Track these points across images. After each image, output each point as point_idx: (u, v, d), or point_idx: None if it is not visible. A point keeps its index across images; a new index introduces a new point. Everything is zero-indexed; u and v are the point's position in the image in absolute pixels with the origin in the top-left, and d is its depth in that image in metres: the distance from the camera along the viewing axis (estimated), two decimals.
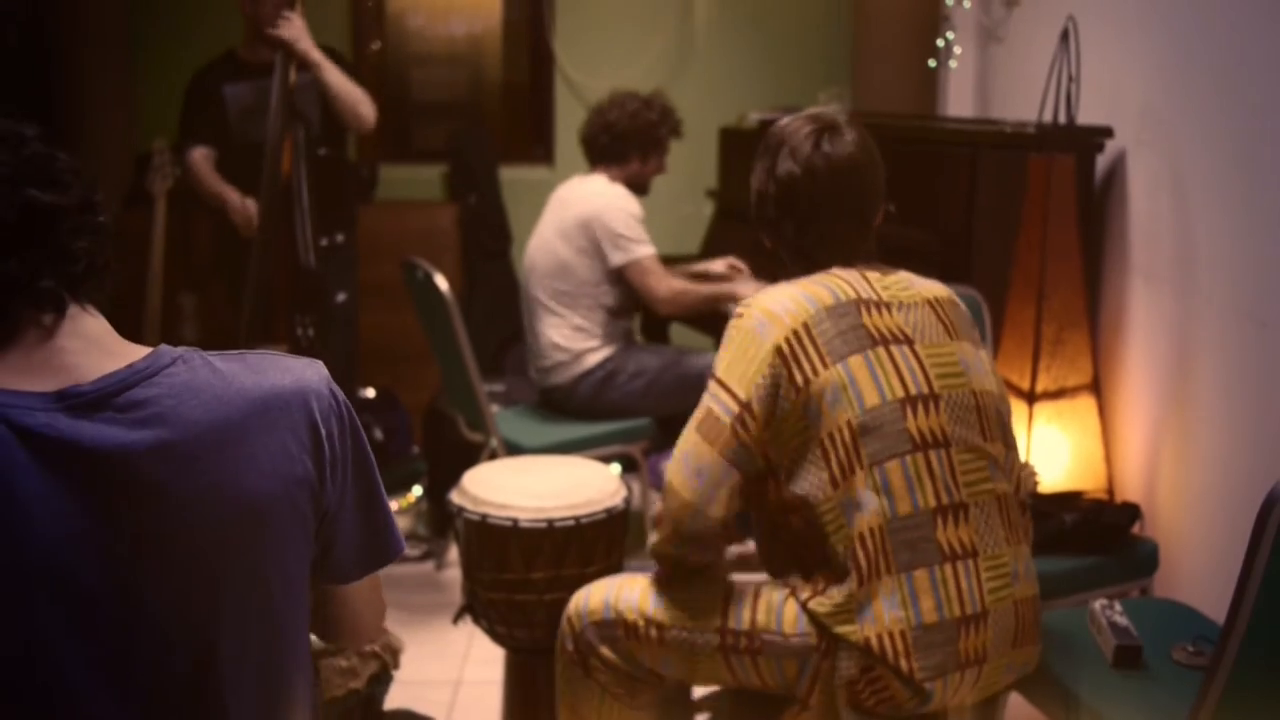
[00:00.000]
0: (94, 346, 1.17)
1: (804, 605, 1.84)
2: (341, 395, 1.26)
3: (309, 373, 1.24)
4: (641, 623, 1.95)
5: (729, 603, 1.91)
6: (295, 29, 3.47)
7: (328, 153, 3.71)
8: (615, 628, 1.98)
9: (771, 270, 2.20)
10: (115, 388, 1.13)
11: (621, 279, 3.62)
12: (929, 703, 1.80)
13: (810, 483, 1.84)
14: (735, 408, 1.83)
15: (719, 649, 1.90)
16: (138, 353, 1.18)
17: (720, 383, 1.87)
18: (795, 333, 1.84)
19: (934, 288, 2.01)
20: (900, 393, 1.85)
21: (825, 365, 1.83)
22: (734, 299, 3.51)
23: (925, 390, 1.87)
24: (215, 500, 1.14)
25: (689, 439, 1.87)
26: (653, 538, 1.98)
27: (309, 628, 1.32)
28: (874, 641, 1.78)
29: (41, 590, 1.10)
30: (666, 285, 3.60)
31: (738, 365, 1.85)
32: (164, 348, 1.20)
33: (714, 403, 1.86)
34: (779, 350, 1.83)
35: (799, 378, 1.83)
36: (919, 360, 1.89)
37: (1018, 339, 2.92)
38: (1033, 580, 1.93)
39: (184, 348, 1.21)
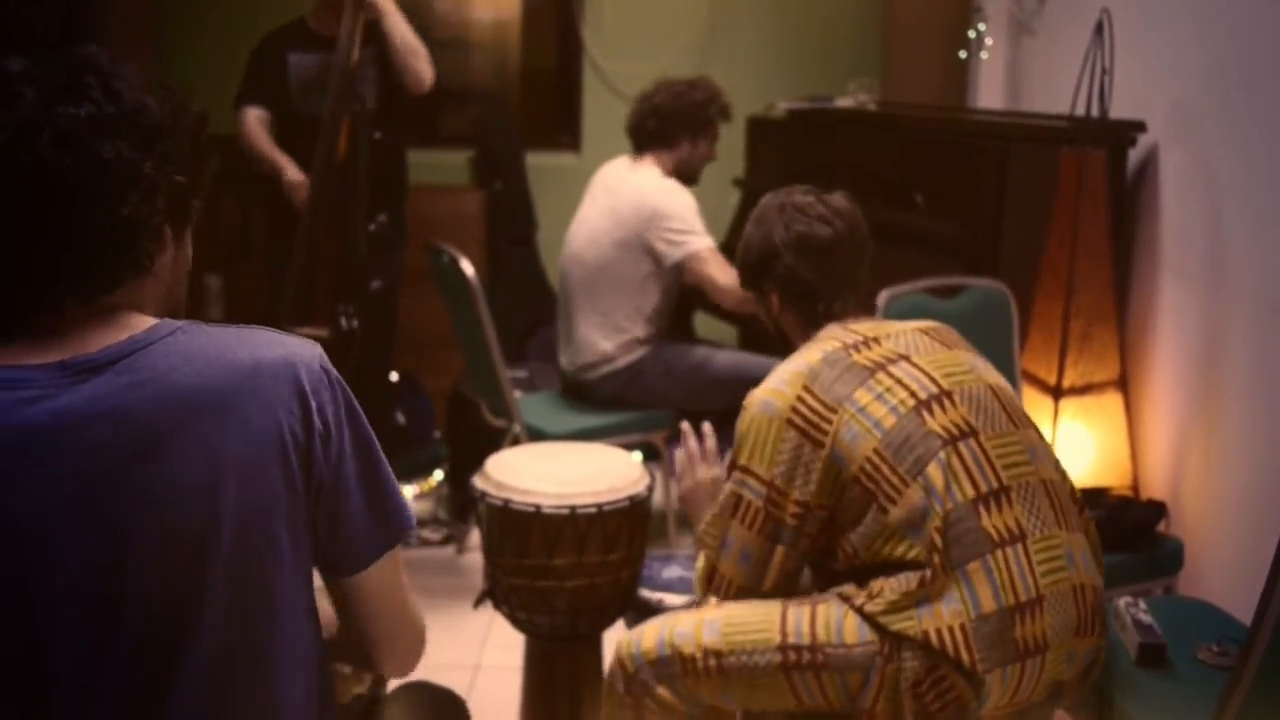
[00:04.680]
0: (105, 320, 1.22)
1: (860, 610, 1.84)
2: (335, 374, 1.29)
3: (301, 348, 1.27)
4: (699, 654, 1.92)
5: (786, 620, 1.89)
6: None
7: (382, 137, 3.65)
8: (672, 664, 1.95)
9: None
10: (116, 356, 1.18)
11: (673, 275, 3.53)
12: (988, 696, 1.79)
13: (863, 522, 1.87)
14: (762, 489, 1.91)
15: (780, 668, 1.87)
16: (142, 324, 1.23)
17: (744, 469, 1.94)
18: (799, 398, 1.91)
19: (921, 323, 2.08)
20: (911, 402, 1.88)
21: (834, 411, 1.89)
22: None
23: (935, 390, 1.90)
24: (203, 463, 1.18)
25: (730, 528, 1.95)
26: (710, 602, 2.00)
27: (313, 603, 1.32)
28: (933, 635, 1.77)
29: (33, 555, 1.14)
30: (732, 275, 3.43)
31: (756, 450, 1.93)
32: (167, 320, 1.25)
33: (743, 489, 1.94)
34: (790, 422, 1.90)
35: (817, 436, 1.89)
36: (919, 369, 1.93)
37: (1045, 334, 2.91)
38: (1093, 571, 1.91)
39: (188, 321, 1.26)
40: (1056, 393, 2.85)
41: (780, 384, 1.95)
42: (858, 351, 1.95)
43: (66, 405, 1.15)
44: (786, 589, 1.97)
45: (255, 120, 3.68)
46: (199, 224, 1.35)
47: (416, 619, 1.43)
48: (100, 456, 1.15)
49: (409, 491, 4.10)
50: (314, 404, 1.24)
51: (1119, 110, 2.96)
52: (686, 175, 3.68)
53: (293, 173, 3.57)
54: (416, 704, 1.71)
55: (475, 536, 3.67)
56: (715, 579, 1.98)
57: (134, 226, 1.21)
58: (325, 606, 1.40)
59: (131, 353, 1.19)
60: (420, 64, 3.60)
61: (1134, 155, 3.11)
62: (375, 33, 3.53)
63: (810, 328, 2.07)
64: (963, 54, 4.19)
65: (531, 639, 2.52)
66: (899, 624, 1.80)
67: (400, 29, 3.53)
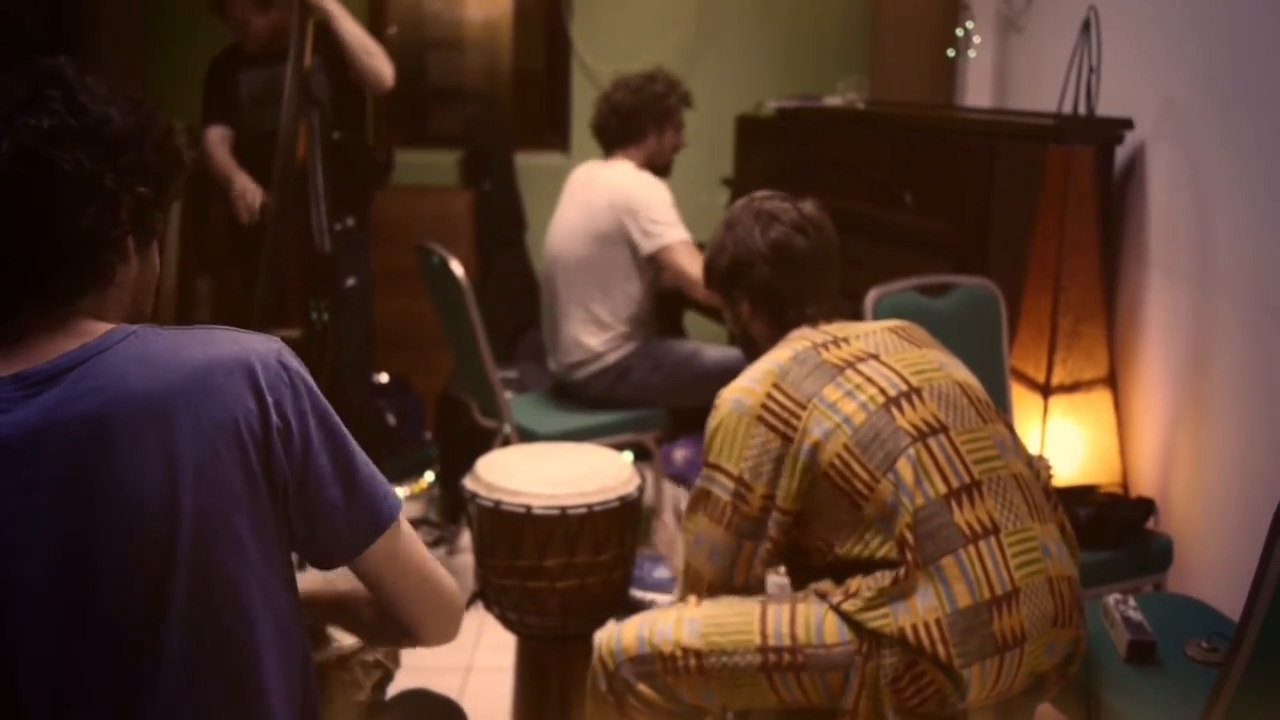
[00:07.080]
0: (61, 328, 1.22)
1: (837, 609, 1.84)
2: (296, 367, 1.28)
3: (259, 344, 1.27)
4: (679, 653, 1.92)
5: (766, 621, 1.89)
6: None
7: (341, 136, 3.69)
8: (652, 662, 1.94)
9: None
10: (69, 364, 1.18)
11: (652, 268, 3.54)
12: (968, 690, 1.79)
13: (838, 520, 1.88)
14: (731, 484, 1.93)
15: (761, 669, 1.88)
16: (96, 331, 1.23)
17: (713, 466, 1.97)
18: (769, 395, 1.94)
19: (891, 322, 2.11)
20: (881, 399, 1.90)
21: (803, 407, 1.91)
22: None
23: (904, 387, 1.92)
24: (160, 464, 1.17)
25: (698, 522, 1.98)
26: (690, 600, 2.00)
27: (293, 604, 1.32)
28: (909, 632, 1.78)
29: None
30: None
31: (725, 446, 1.95)
32: (122, 325, 1.25)
33: (711, 485, 1.97)
34: (760, 419, 1.93)
35: (786, 430, 1.91)
36: (888, 367, 1.96)
37: (1034, 331, 2.91)
38: (1068, 562, 1.93)
39: (142, 325, 1.25)
40: (1045, 390, 2.85)
41: (751, 382, 1.97)
42: (827, 350, 1.98)
43: (22, 418, 1.15)
44: (757, 585, 1.99)
45: (216, 138, 3.73)
46: (188, 227, 1.35)
47: (441, 588, 1.42)
48: (59, 465, 1.15)
49: (399, 493, 4.09)
50: (271, 400, 1.24)
51: (1106, 108, 2.96)
52: (659, 168, 3.70)
53: (240, 183, 3.61)
54: (415, 711, 1.70)
55: (466, 538, 3.67)
56: (689, 573, 2.01)
57: (94, 238, 1.21)
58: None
59: (84, 360, 1.19)
60: (377, 62, 3.59)
61: (1121, 153, 3.12)
62: (326, 37, 3.53)
63: (779, 333, 2.10)
64: (951, 52, 4.19)
65: (523, 640, 2.52)
66: (875, 621, 1.81)
67: (351, 30, 3.52)
